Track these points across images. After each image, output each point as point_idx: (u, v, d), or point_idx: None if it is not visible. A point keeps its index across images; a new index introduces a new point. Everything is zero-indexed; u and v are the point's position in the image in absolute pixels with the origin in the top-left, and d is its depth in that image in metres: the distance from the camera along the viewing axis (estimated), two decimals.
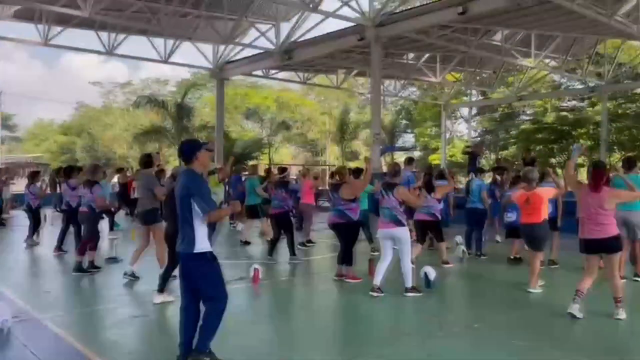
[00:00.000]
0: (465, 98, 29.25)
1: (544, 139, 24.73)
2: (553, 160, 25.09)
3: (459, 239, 9.01)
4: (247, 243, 10.26)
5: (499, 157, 21.26)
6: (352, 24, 15.86)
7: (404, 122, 33.62)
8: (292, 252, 8.29)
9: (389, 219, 6.01)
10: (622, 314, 5.11)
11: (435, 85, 24.64)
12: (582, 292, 5.14)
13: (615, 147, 23.38)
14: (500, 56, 18.80)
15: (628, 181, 5.82)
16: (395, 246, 6.08)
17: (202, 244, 3.69)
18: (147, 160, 6.85)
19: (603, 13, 14.29)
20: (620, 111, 23.95)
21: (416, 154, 38.30)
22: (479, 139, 31.77)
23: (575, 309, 5.10)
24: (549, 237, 6.92)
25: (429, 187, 7.81)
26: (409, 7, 16.68)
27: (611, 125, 22.33)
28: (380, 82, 18.23)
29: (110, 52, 18.21)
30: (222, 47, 20.50)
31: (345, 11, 15.84)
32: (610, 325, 5.02)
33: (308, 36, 17.73)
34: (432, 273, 6.37)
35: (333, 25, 16.82)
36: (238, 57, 20.72)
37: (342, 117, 29.25)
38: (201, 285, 3.74)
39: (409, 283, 6.00)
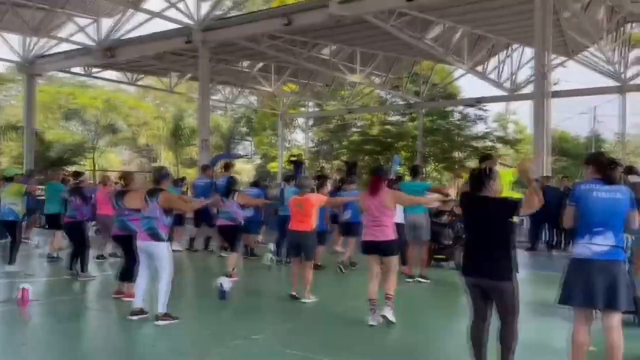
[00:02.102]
0: (302, 109, 30.16)
1: (371, 150, 26.46)
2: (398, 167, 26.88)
3: (272, 246, 9.02)
4: (54, 258, 9.01)
5: (321, 166, 22.19)
6: (179, 25, 15.33)
7: (244, 129, 33.55)
8: (82, 268, 7.48)
9: (147, 231, 5.28)
10: (390, 313, 5.15)
11: (273, 94, 25.02)
12: (375, 300, 5.23)
13: (430, 159, 25.86)
14: (329, 70, 19.67)
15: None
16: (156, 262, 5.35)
17: None
18: None
19: (414, 36, 15.74)
20: (435, 127, 26.60)
21: (258, 161, 38.72)
22: (315, 148, 33.07)
23: (373, 318, 5.16)
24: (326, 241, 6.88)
25: (228, 192, 7.57)
26: (238, 14, 16.67)
27: (426, 139, 24.69)
28: (209, 88, 17.83)
29: None
30: (32, 39, 18.35)
31: (173, 13, 15.25)
32: (385, 328, 5.11)
33: (133, 35, 16.72)
34: (227, 284, 6.14)
35: (162, 25, 16.05)
36: (54, 51, 18.76)
37: (176, 122, 28.15)
38: None
39: (163, 308, 5.19)
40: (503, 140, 26.47)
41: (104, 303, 6.31)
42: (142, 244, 5.37)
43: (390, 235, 5.25)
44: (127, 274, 6.03)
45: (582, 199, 3.58)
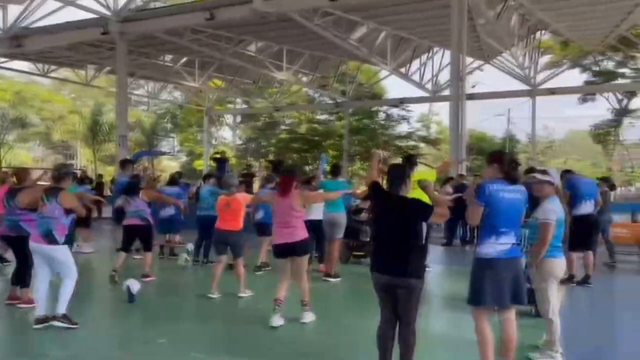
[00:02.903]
0: (230, 105, 29.68)
1: (299, 148, 26.56)
2: (307, 169, 27.03)
3: (190, 246, 8.76)
4: None
5: (247, 164, 21.97)
6: (94, 15, 14.55)
7: (169, 125, 32.54)
8: None
9: (41, 233, 4.92)
10: (308, 318, 5.23)
11: (200, 90, 24.44)
12: (281, 300, 5.16)
13: (356, 157, 26.35)
14: (255, 67, 19.45)
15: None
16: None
17: None
18: None
19: (339, 36, 15.90)
20: (361, 126, 27.10)
21: (184, 159, 37.66)
22: (243, 146, 32.68)
23: (275, 319, 5.08)
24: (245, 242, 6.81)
25: (132, 190, 7.22)
26: (161, 6, 16.09)
27: (352, 138, 25.11)
28: (128, 82, 17.11)
29: None
30: None
31: (88, 1, 14.44)
32: (296, 329, 5.09)
33: (45, 23, 15.69)
34: (135, 287, 5.87)
35: (78, 14, 15.16)
36: None
37: (95, 117, 26.78)
38: None
39: (62, 309, 4.91)
40: (425, 140, 27.43)
41: None
42: (36, 246, 4.98)
43: (301, 235, 5.17)
44: (20, 277, 5.60)
45: (492, 199, 3.59)
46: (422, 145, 27.26)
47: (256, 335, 4.94)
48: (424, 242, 3.59)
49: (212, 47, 17.35)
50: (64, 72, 22.78)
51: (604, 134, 31.67)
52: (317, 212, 7.96)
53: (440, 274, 8.63)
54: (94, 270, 8.51)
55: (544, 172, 4.35)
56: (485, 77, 29.48)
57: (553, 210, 4.18)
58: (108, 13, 14.23)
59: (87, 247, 9.76)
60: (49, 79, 24.45)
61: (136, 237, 7.25)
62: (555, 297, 4.29)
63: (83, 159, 32.49)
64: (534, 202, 4.45)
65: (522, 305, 3.71)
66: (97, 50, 17.64)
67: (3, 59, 18.89)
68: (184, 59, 20.40)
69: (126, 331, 5.15)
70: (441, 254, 10.46)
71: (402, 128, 27.43)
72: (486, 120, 37.64)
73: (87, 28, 15.04)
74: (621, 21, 15.71)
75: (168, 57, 20.55)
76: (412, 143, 26.30)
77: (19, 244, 5.50)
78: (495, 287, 3.56)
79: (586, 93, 26.67)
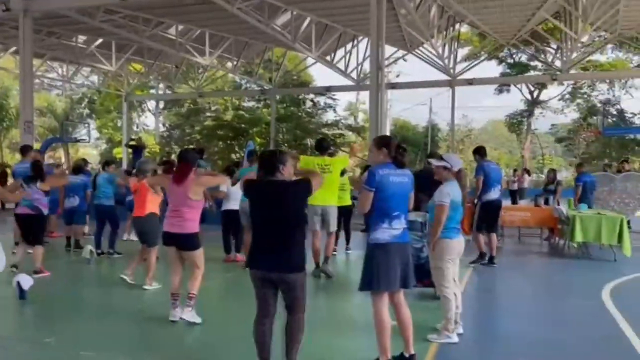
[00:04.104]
0: (152, 90, 28.49)
1: (225, 136, 26.01)
2: (233, 157, 26.58)
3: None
4: None
5: (167, 151, 21.29)
6: None
7: (85, 111, 30.83)
8: None
9: None
10: (189, 315, 4.79)
11: (119, 75, 23.25)
12: (177, 294, 4.89)
13: (283, 145, 26.17)
14: (176, 50, 18.74)
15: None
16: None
17: None
18: None
19: (262, 21, 15.60)
20: (288, 113, 26.96)
21: (103, 146, 35.86)
22: (167, 133, 31.62)
23: (174, 313, 4.84)
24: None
25: (32, 177, 6.66)
26: None
27: (279, 125, 24.92)
28: (33, 64, 15.91)
29: None
30: None
31: None
32: (188, 323, 4.79)
33: None
34: (26, 282, 5.44)
35: None
36: None
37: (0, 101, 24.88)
38: None
39: None
40: (351, 128, 27.74)
41: None
42: None
43: (191, 228, 4.82)
44: None
45: (382, 184, 3.57)
46: (349, 133, 27.54)
47: (149, 332, 4.73)
48: (303, 230, 3.45)
49: (129, 28, 16.51)
50: None
51: (517, 124, 33.57)
52: (234, 203, 7.87)
53: (353, 258, 8.79)
54: None
55: (440, 157, 4.48)
56: (410, 67, 30.24)
57: (448, 193, 4.32)
58: None
59: None
60: None
61: (28, 227, 6.71)
62: (450, 277, 4.43)
63: None
64: (435, 186, 4.57)
65: (408, 288, 3.74)
66: (0, 29, 16.29)
67: None
68: (99, 41, 19.30)
69: (12, 330, 4.80)
70: (360, 239, 10.61)
71: (329, 116, 27.62)
72: (409, 109, 38.72)
73: None
74: (532, 15, 16.53)
75: (82, 39, 19.37)
76: (338, 132, 26.48)
77: None
78: (389, 272, 3.58)
79: (501, 84, 28.09)
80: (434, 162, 4.50)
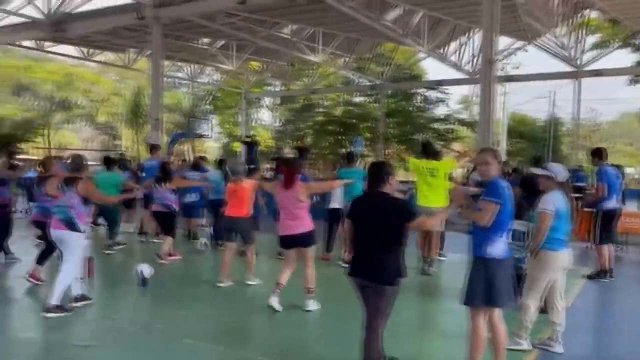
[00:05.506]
0: (269, 88, 29.76)
1: (334, 131, 26.42)
2: (343, 151, 26.94)
3: (210, 230, 9.02)
4: None
5: (277, 149, 22.05)
6: (130, 0, 14.90)
7: (208, 107, 33.03)
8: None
9: (63, 220, 5.09)
10: (311, 306, 5.28)
11: (239, 73, 24.66)
12: (281, 284, 5.25)
13: (392, 140, 25.98)
14: (290, 50, 19.42)
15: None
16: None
17: None
18: None
19: (372, 17, 15.60)
20: (401, 108, 26.67)
21: (224, 140, 38.16)
22: (282, 128, 32.86)
23: (274, 301, 5.19)
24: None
25: (160, 178, 7.52)
26: None
27: (389, 120, 24.75)
28: (163, 65, 17.45)
29: None
30: None
31: None
32: (299, 317, 5.13)
33: (86, 9, 16.18)
34: (147, 270, 6.08)
35: (118, 0, 15.58)
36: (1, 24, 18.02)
37: (136, 100, 27.48)
38: None
39: (55, 300, 5.01)
40: (464, 123, 26.72)
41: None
42: (55, 232, 5.20)
43: (307, 226, 5.20)
44: (43, 258, 5.96)
45: (504, 197, 3.52)
46: (461, 127, 26.55)
47: (254, 323, 5.03)
48: (402, 245, 3.52)
49: (246, 30, 17.43)
50: (109, 55, 23.44)
51: None
52: (336, 202, 8.01)
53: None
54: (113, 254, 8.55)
55: (544, 167, 4.32)
56: (530, 58, 28.38)
57: (551, 201, 4.15)
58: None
59: (128, 227, 10.04)
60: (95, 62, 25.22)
61: (159, 223, 7.68)
62: (541, 287, 4.24)
63: (126, 141, 33.49)
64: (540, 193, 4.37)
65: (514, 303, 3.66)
66: (135, 35, 18.04)
67: (50, 43, 19.63)
68: (221, 43, 20.60)
69: (125, 315, 5.32)
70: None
71: (441, 111, 26.86)
72: (528, 103, 36.31)
73: (123, 13, 15.40)
74: None
75: (205, 41, 20.82)
76: (450, 126, 25.66)
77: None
78: (501, 288, 3.49)
79: (636, 74, 25.28)
80: (537, 172, 4.34)
